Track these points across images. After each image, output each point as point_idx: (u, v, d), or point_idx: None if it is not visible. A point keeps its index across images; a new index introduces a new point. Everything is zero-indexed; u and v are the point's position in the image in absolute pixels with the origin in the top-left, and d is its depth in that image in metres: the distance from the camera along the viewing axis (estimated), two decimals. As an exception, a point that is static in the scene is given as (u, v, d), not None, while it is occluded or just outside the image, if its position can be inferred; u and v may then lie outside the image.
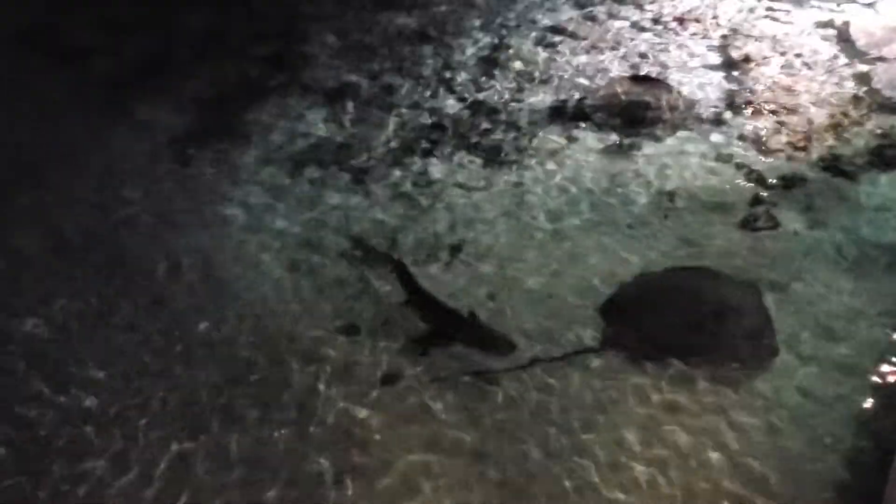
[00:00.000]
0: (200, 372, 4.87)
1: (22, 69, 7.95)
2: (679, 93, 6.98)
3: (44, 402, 4.73)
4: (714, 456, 4.27)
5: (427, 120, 7.00)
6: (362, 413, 4.56)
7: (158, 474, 4.31)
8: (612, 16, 8.31)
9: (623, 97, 6.98)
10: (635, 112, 6.80)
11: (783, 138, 6.48)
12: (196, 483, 4.26)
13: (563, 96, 7.18)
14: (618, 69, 7.47)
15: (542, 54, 7.78)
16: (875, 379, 4.62)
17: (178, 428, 4.54)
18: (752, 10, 8.22)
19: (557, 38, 7.99)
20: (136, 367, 4.91)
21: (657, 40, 7.89)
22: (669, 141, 6.55)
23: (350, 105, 7.26)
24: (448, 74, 7.58)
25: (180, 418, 4.60)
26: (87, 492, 4.24)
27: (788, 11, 8.17)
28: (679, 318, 4.93)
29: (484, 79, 7.50)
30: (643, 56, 7.65)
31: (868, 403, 4.49)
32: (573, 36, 8.01)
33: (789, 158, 6.28)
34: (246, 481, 4.26)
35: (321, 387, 4.73)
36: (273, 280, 5.48)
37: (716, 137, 6.55)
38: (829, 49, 7.56)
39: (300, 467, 4.30)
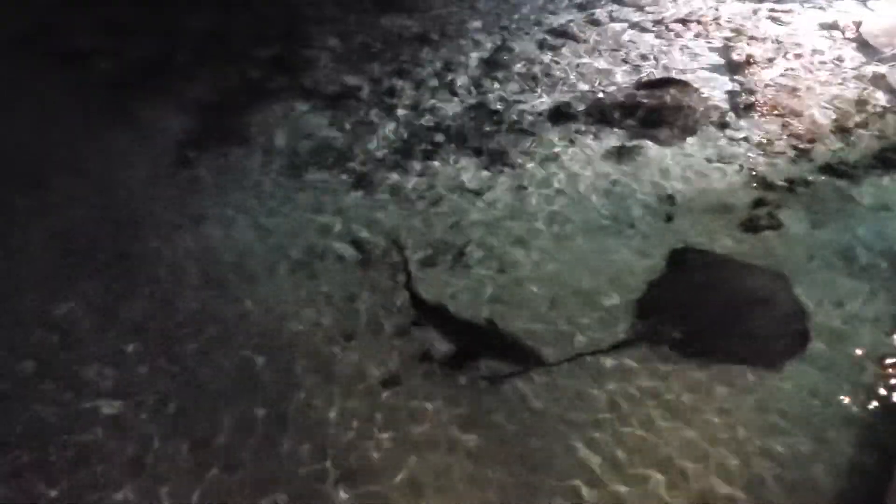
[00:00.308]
0: (206, 372, 4.85)
1: (23, 70, 7.95)
2: (685, 95, 6.95)
3: (52, 402, 4.73)
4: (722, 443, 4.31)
5: (429, 122, 6.99)
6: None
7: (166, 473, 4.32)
8: (613, 18, 8.31)
9: (626, 99, 6.97)
10: (640, 114, 6.79)
11: (787, 140, 6.46)
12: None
13: (564, 98, 7.16)
14: (619, 71, 7.46)
15: (544, 57, 7.77)
16: (878, 379, 4.60)
17: (178, 427, 4.55)
18: (755, 12, 8.22)
19: (559, 41, 7.98)
20: (140, 367, 4.92)
21: (659, 42, 7.88)
22: (673, 142, 6.52)
23: (352, 107, 7.25)
24: (450, 77, 7.57)
25: (182, 419, 4.59)
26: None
27: (790, 12, 8.16)
28: (693, 312, 5.01)
29: (486, 81, 7.48)
30: (645, 58, 7.63)
31: (872, 403, 4.47)
32: (575, 38, 8.00)
33: (793, 160, 6.26)
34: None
35: (326, 391, 4.71)
36: (276, 283, 5.46)
37: (719, 139, 6.53)
38: (832, 50, 7.54)
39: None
